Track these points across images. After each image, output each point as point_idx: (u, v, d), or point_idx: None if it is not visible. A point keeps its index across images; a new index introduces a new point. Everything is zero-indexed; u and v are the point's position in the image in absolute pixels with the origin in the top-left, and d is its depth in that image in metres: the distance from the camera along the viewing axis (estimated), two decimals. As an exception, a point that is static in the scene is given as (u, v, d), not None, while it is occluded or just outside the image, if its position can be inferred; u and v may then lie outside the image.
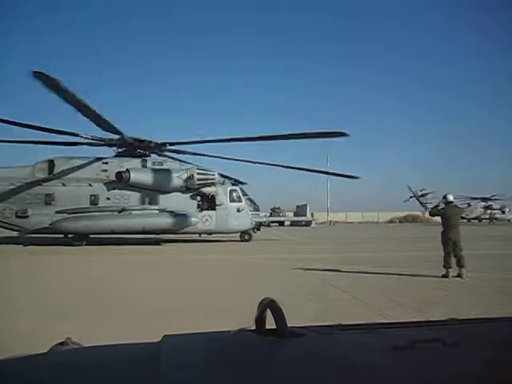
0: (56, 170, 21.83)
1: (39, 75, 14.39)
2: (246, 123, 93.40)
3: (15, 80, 78.17)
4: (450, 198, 11.46)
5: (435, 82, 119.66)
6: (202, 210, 22.63)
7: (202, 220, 22.28)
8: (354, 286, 9.01)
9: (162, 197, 22.13)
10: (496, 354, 0.95)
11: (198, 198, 22.73)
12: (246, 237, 23.55)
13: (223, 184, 23.22)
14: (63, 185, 21.56)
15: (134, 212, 21.41)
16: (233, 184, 23.63)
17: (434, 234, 11.80)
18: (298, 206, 54.08)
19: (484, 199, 62.58)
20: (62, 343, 1.31)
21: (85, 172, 21.92)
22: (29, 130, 20.43)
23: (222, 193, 22.96)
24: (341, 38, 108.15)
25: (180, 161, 24.13)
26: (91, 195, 21.70)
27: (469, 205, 61.74)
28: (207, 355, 1.00)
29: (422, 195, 60.82)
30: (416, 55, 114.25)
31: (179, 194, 22.40)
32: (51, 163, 22.04)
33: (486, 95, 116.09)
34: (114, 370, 0.96)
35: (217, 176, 22.68)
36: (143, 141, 22.81)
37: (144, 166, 22.33)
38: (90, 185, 21.76)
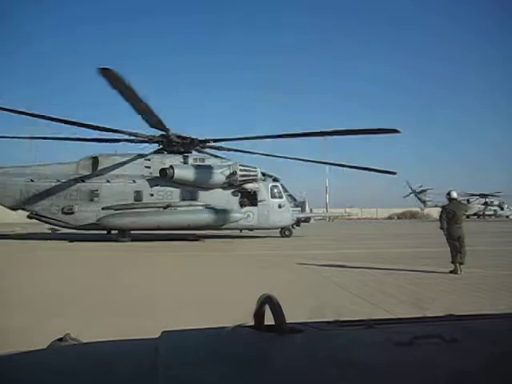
0: (100, 167, 22.02)
1: (105, 72, 14.49)
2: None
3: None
4: (454, 194, 11.41)
5: (435, 77, 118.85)
6: (243, 206, 22.68)
7: (244, 216, 22.33)
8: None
9: (204, 193, 22.20)
10: (495, 350, 0.95)
11: (240, 194, 22.77)
12: (287, 232, 23.58)
13: (264, 180, 23.23)
14: (107, 181, 21.74)
15: (179, 208, 21.54)
16: (274, 180, 23.61)
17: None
18: (296, 202, 53.42)
19: (483, 195, 62.28)
20: (60, 339, 1.31)
21: (128, 169, 22.08)
22: (67, 126, 20.76)
23: (263, 189, 22.99)
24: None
25: (217, 157, 24.23)
26: (135, 191, 21.86)
27: (468, 201, 61.63)
28: (206, 351, 1.01)
29: (421, 191, 60.60)
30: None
31: (221, 190, 22.47)
32: (95, 160, 22.23)
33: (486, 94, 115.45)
34: (113, 366, 0.96)
35: (259, 172, 22.71)
36: (185, 137, 22.90)
37: (187, 163, 22.41)
38: (134, 181, 21.91)
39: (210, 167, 22.36)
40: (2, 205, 22.12)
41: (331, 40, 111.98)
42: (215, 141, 22.95)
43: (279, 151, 24.23)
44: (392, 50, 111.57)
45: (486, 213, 60.82)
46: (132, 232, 21.35)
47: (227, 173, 22.19)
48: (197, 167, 22.20)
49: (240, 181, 22.29)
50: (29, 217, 22.30)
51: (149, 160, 22.54)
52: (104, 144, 23.23)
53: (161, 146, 23.55)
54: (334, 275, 9.94)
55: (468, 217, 58.66)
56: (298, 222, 24.45)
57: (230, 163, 22.64)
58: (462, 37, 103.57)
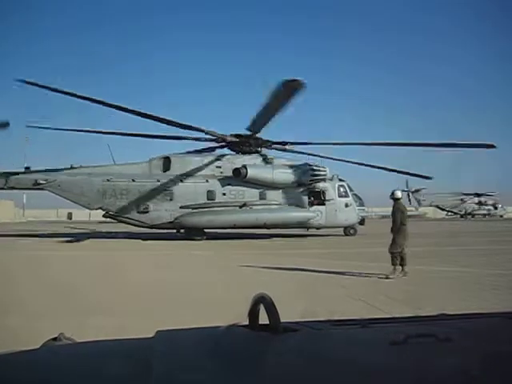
0: (172, 167, 22.39)
1: None
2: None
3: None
4: (398, 194, 10.51)
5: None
6: (312, 205, 23.04)
7: (315, 215, 22.67)
8: None
9: (275, 192, 22.54)
10: (488, 349, 0.97)
11: (309, 193, 23.13)
12: (352, 231, 23.92)
13: (331, 180, 23.59)
14: (181, 181, 22.11)
15: (255, 207, 21.90)
16: (340, 180, 23.97)
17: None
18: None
19: (477, 195, 62.55)
20: (54, 339, 1.30)
21: (200, 168, 22.44)
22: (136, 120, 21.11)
23: (331, 188, 23.34)
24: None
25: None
26: (208, 191, 22.21)
27: (462, 200, 61.88)
28: (200, 350, 1.01)
29: (415, 191, 60.88)
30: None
31: (291, 189, 22.83)
32: (167, 160, 22.60)
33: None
34: (107, 366, 0.96)
35: (328, 172, 23.07)
36: (248, 137, 23.17)
37: (257, 163, 22.77)
38: (207, 181, 22.27)
39: (281, 167, 22.72)
40: (79, 204, 22.53)
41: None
42: (283, 143, 23.08)
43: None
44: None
45: (480, 212, 60.89)
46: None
47: (298, 172, 22.56)
48: (268, 167, 22.56)
49: (310, 180, 22.66)
50: (104, 216, 22.69)
51: (219, 160, 22.91)
52: (161, 140, 23.74)
53: (224, 145, 23.85)
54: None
55: (462, 216, 59.11)
56: (362, 221, 24.82)
57: (299, 163, 23.01)
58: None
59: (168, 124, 21.22)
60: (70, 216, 66.54)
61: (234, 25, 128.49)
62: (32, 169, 22.25)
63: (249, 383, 0.85)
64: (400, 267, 9.76)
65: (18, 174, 21.73)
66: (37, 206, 62.58)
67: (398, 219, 10.07)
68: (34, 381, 0.92)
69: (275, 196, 22.52)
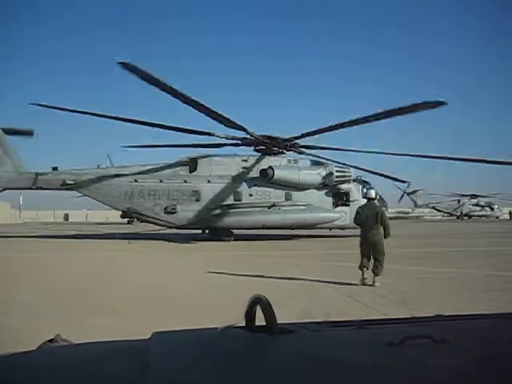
0: (199, 168, 22.57)
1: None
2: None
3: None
4: (371, 194, 9.93)
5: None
6: (337, 205, 23.24)
7: (340, 216, 22.88)
8: None
9: (301, 193, 22.73)
10: (484, 350, 0.97)
11: (333, 194, 23.33)
12: (375, 232, 24.10)
13: (355, 180, 23.81)
14: (208, 181, 22.28)
15: (283, 208, 22.08)
16: (363, 181, 24.18)
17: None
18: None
19: (473, 196, 62.89)
20: (51, 340, 1.29)
21: (226, 169, 22.61)
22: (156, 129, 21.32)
23: (355, 189, 23.55)
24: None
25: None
26: (235, 192, 22.38)
27: (458, 201, 62.13)
28: (197, 352, 1.01)
29: (412, 192, 61.16)
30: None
31: (316, 190, 23.03)
32: (193, 161, 22.78)
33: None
34: (104, 367, 0.96)
35: (352, 173, 23.29)
36: (274, 138, 23.33)
37: (283, 164, 22.96)
38: (233, 181, 22.45)
39: (307, 168, 22.94)
40: (106, 204, 22.68)
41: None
42: (299, 137, 22.50)
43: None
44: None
45: (477, 213, 61.13)
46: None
47: (323, 173, 22.76)
48: (294, 168, 22.77)
49: (335, 181, 22.87)
50: (129, 216, 22.87)
51: (245, 161, 23.08)
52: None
53: (244, 145, 23.94)
54: None
55: (458, 217, 59.36)
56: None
57: (325, 164, 23.22)
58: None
59: (189, 133, 21.41)
60: (66, 217, 66.54)
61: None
62: (59, 169, 22.44)
63: None
64: (371, 274, 8.93)
65: (46, 174, 21.88)
66: (32, 207, 62.71)
67: (371, 221, 9.17)
68: (31, 382, 0.91)
69: (301, 197, 22.70)
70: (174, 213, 21.89)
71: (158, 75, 16.32)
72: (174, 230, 23.10)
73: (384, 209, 9.48)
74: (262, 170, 22.21)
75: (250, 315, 1.14)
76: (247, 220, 21.37)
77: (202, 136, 22.27)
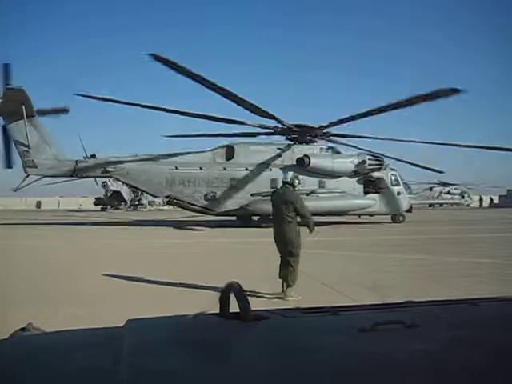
0: (236, 155, 23.07)
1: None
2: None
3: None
4: (287, 177, 7.59)
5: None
6: (367, 193, 24.15)
7: (373, 202, 23.82)
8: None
9: (333, 181, 23.52)
10: (454, 334, 1.00)
11: (364, 181, 24.20)
12: (401, 218, 25.14)
13: (385, 169, 24.71)
14: (246, 169, 22.82)
15: (321, 195, 22.82)
16: (391, 169, 25.11)
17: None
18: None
19: (444, 184, 63.57)
20: (23, 329, 1.28)
21: (262, 157, 23.18)
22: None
23: (384, 177, 24.47)
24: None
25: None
26: (271, 179, 22.97)
27: (430, 189, 63.89)
28: (170, 339, 1.01)
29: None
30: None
31: (348, 178, 23.85)
32: (230, 149, 23.26)
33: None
34: (77, 355, 0.95)
35: (384, 161, 24.18)
36: (305, 126, 23.91)
37: (316, 152, 23.65)
38: (270, 169, 23.05)
39: (341, 156, 23.71)
40: (147, 192, 23.02)
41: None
42: (329, 125, 22.89)
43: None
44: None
45: (449, 201, 61.96)
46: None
47: (356, 161, 23.57)
48: (329, 156, 23.50)
49: (368, 169, 23.73)
50: (169, 203, 23.22)
51: (281, 149, 23.68)
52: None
53: (276, 134, 24.52)
54: None
55: (430, 205, 60.06)
56: (410, 209, 26.10)
57: (358, 152, 24.04)
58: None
59: (220, 122, 21.86)
60: (38, 205, 65.10)
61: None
62: (97, 156, 22.58)
63: (219, 371, 0.85)
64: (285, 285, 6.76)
65: (86, 161, 22.01)
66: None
67: (283, 211, 7.06)
68: (2, 372, 0.90)
69: (334, 184, 23.49)
70: (214, 200, 22.39)
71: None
72: (199, 217, 23.32)
73: (299, 195, 7.59)
74: (299, 158, 22.87)
75: (223, 302, 1.14)
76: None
77: (232, 125, 22.83)
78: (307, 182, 23.20)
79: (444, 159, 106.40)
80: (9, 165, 21.97)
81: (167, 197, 22.77)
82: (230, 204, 22.44)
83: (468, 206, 63.87)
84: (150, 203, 62.77)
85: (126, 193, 51.73)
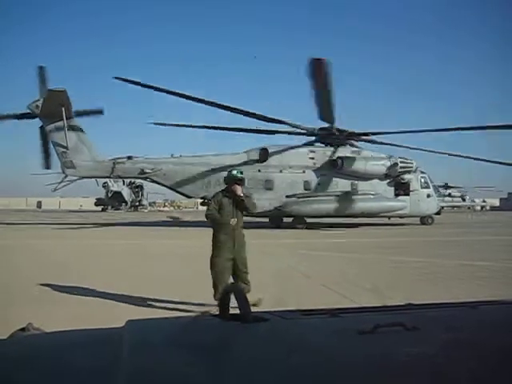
0: (270, 158, 23.34)
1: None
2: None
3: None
4: (234, 174, 6.13)
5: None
6: (398, 195, 24.43)
7: (404, 205, 24.12)
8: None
9: (365, 183, 23.81)
10: (454, 337, 1.00)
11: (395, 184, 24.48)
12: (430, 220, 25.46)
13: (415, 171, 25.01)
14: (280, 171, 23.11)
15: (353, 197, 23.09)
16: (421, 172, 25.41)
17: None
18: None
19: (446, 187, 63.22)
20: (23, 329, 1.27)
21: (295, 159, 23.48)
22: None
23: (415, 180, 24.78)
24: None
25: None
26: (304, 181, 23.28)
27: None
28: (170, 340, 1.02)
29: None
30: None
31: (379, 180, 24.14)
32: (264, 151, 23.51)
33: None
34: (77, 355, 0.95)
35: (415, 164, 24.48)
36: (344, 130, 24.04)
37: (347, 154, 23.93)
38: (303, 171, 23.35)
39: (373, 159, 23.99)
40: (181, 193, 23.24)
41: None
42: (368, 134, 24.04)
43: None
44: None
45: (449, 204, 63.59)
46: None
47: (388, 164, 23.88)
48: (361, 159, 23.78)
49: (399, 172, 24.03)
50: (204, 204, 23.42)
51: (313, 151, 24.00)
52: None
53: (307, 135, 24.84)
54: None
55: None
56: (439, 211, 26.41)
57: (389, 155, 24.34)
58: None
59: (257, 118, 22.24)
60: (39, 205, 65.37)
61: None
62: (133, 158, 22.80)
63: (219, 372, 0.85)
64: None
65: (124, 162, 22.25)
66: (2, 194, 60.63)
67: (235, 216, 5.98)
68: (2, 372, 0.90)
69: (366, 186, 23.77)
70: (249, 201, 22.57)
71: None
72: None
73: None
74: (332, 160, 23.19)
75: (223, 303, 1.15)
76: (324, 208, 22.37)
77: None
78: (340, 184, 23.54)
79: (444, 160, 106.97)
80: (47, 165, 22.22)
81: (202, 198, 23.00)
82: (266, 206, 22.65)
83: (469, 208, 63.92)
84: (151, 204, 62.82)
85: (126, 193, 51.84)
